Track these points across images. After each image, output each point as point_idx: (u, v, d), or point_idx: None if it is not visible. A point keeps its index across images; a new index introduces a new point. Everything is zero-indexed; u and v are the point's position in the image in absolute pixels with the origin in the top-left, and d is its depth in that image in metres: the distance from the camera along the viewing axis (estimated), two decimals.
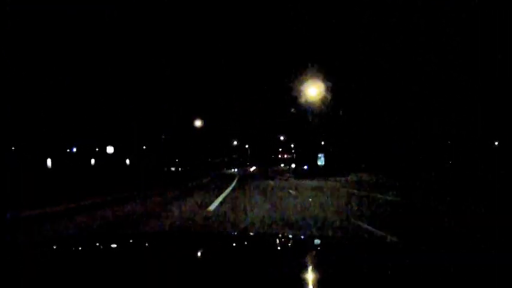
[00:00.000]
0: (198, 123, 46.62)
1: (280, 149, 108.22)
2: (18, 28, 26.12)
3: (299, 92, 29.79)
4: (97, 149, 53.10)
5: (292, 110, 45.75)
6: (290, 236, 2.34)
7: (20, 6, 25.59)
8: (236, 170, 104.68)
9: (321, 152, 35.84)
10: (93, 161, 49.59)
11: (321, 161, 35.72)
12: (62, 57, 32.06)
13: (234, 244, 1.79)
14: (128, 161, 57.85)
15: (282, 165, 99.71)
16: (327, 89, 27.27)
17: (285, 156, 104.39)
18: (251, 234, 3.78)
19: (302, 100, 30.65)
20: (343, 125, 26.78)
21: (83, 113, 38.20)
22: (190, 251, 1.53)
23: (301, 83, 28.38)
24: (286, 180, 29.88)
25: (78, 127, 40.35)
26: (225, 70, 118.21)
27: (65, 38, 32.39)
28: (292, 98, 35.00)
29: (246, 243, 1.83)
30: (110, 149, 64.15)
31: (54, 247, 1.54)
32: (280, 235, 3.05)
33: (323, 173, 31.68)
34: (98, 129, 45.29)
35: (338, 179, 26.68)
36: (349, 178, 26.01)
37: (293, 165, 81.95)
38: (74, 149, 51.11)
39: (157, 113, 50.13)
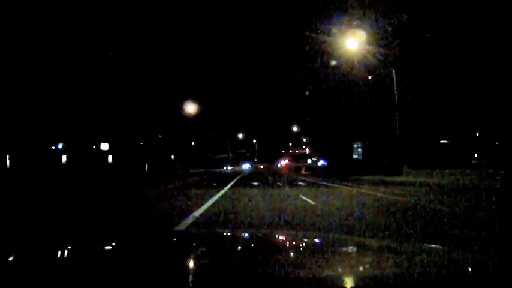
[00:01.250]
0: (190, 108, 38.24)
1: (291, 144, 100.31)
2: (18, 28, 26.35)
3: (328, 48, 21.22)
4: (94, 147, 50.60)
5: (307, 92, 36.24)
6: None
7: (20, 6, 25.89)
8: (229, 168, 76.94)
9: (358, 141, 26.83)
10: (64, 158, 43.93)
11: (357, 154, 26.83)
12: (62, 57, 32.52)
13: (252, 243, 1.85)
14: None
15: (286, 161, 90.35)
16: (369, 39, 18.51)
17: (297, 151, 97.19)
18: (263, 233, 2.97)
19: (331, 60, 22.12)
20: (398, 99, 18.24)
21: (76, 110, 37.26)
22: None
23: (333, 35, 19.71)
24: (314, 184, 21.38)
25: (69, 124, 38.37)
26: (227, 58, 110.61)
27: (65, 38, 32.74)
28: (310, 56, 26.41)
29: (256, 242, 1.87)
30: (104, 146, 58.72)
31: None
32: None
33: (361, 171, 22.55)
34: (91, 126, 42.78)
35: (399, 180, 17.14)
36: (422, 181, 16.32)
37: (309, 161, 73.05)
38: (60, 145, 46.87)
39: (156, 112, 47.33)
